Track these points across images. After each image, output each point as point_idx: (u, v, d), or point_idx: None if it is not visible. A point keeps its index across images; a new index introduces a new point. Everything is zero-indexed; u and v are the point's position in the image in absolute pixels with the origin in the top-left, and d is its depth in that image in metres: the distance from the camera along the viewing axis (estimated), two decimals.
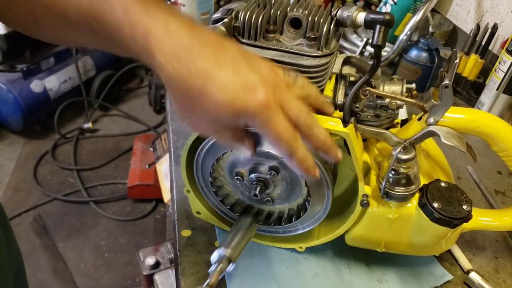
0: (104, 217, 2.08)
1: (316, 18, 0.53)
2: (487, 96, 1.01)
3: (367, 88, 0.56)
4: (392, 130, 0.60)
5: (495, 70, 0.98)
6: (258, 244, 0.67)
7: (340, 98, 0.58)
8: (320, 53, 0.52)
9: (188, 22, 0.42)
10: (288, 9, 0.54)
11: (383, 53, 1.11)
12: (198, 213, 0.68)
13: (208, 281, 0.51)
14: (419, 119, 0.60)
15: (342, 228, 0.61)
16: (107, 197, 2.18)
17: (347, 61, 0.61)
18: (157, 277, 1.30)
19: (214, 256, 0.53)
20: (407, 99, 0.57)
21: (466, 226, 0.60)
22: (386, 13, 0.50)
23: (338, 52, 0.61)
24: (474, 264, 0.68)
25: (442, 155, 0.70)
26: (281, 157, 0.54)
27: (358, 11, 0.52)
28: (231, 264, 0.53)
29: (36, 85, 2.29)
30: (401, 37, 1.08)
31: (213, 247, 0.66)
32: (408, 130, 0.61)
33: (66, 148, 2.44)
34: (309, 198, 0.58)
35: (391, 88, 0.58)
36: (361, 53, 1.20)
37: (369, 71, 0.54)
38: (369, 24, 0.51)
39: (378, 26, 0.50)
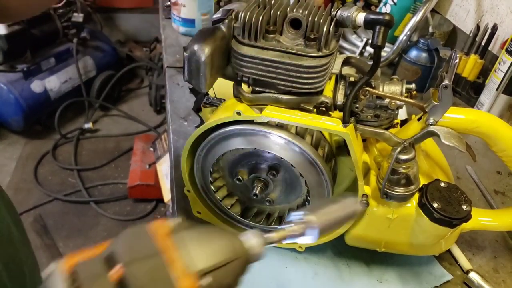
0: (105, 217, 2.08)
1: (316, 19, 0.53)
2: (486, 96, 1.01)
3: (367, 88, 0.57)
4: (391, 130, 0.60)
5: (495, 71, 0.98)
6: None
7: (340, 99, 0.58)
8: (320, 53, 0.52)
9: None
10: (288, 9, 0.54)
11: (383, 54, 1.11)
12: (198, 213, 0.68)
13: (268, 234, 0.40)
14: (419, 119, 0.60)
15: (342, 228, 0.61)
16: (107, 197, 2.18)
17: (346, 62, 0.61)
18: None
19: (292, 216, 0.42)
20: (406, 99, 0.57)
21: (466, 226, 0.60)
22: (385, 13, 0.50)
23: (338, 53, 0.61)
24: (474, 264, 0.68)
25: (442, 155, 0.70)
26: (281, 157, 0.55)
27: (358, 11, 0.52)
28: (309, 230, 0.40)
29: (36, 86, 2.30)
30: (400, 37, 1.09)
31: None
32: (408, 130, 0.61)
33: (66, 148, 2.44)
34: (309, 198, 0.58)
35: (391, 89, 0.58)
36: (361, 53, 1.20)
37: (369, 71, 0.54)
38: (369, 25, 0.51)
39: (377, 27, 0.50)
